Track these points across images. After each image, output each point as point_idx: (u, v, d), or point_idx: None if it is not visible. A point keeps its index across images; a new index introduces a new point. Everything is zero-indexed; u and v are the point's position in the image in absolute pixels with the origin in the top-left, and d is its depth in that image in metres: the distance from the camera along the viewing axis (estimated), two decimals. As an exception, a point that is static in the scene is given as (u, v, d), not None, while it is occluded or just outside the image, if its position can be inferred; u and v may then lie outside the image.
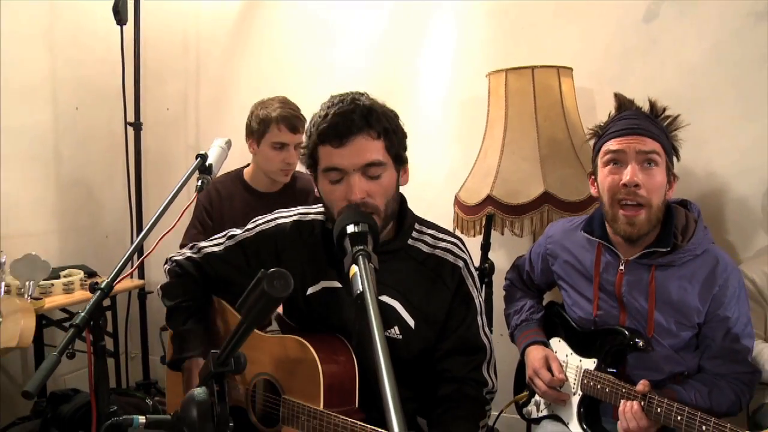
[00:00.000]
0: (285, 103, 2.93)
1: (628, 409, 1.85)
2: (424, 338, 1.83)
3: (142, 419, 1.47)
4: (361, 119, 1.67)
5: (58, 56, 3.65)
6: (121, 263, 1.62)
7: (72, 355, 1.50)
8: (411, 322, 1.81)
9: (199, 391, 1.06)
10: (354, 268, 1.23)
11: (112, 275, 1.59)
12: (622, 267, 2.05)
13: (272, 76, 3.64)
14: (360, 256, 1.25)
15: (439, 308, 1.83)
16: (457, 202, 2.77)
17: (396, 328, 1.80)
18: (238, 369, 1.09)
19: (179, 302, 1.95)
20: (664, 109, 2.04)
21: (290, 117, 2.86)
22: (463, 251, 1.87)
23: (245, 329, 1.05)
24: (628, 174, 1.92)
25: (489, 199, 2.57)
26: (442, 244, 1.86)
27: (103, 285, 1.55)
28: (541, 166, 2.52)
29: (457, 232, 2.74)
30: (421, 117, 3.28)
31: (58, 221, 3.74)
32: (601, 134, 2.05)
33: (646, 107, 2.07)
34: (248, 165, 3.04)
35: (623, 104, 2.08)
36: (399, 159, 1.76)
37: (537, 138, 2.54)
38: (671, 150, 2.01)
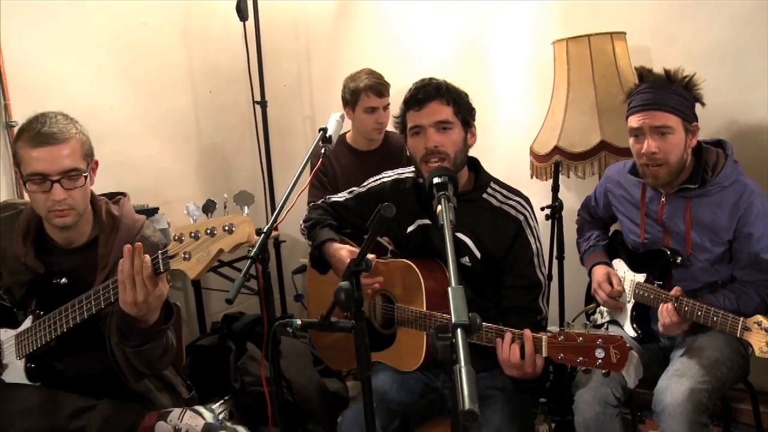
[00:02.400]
0: (370, 73, 3.47)
1: (664, 309, 2.34)
2: (488, 268, 2.35)
3: (299, 321, 2.08)
4: (435, 90, 2.25)
5: (192, 49, 4.25)
6: (276, 213, 2.23)
7: (248, 279, 2.13)
8: (478, 255, 2.34)
9: (344, 283, 1.65)
10: (439, 207, 1.73)
11: (270, 223, 2.15)
12: (663, 199, 2.51)
13: (371, 53, 4.13)
14: (443, 198, 1.75)
15: (500, 248, 2.34)
16: (532, 152, 3.24)
17: (467, 257, 2.35)
18: (368, 268, 1.67)
19: (313, 223, 2.60)
20: (677, 73, 2.40)
21: (375, 85, 3.41)
22: (525, 209, 2.37)
23: (371, 239, 1.65)
24: (644, 147, 2.37)
25: (556, 149, 3.04)
26: (510, 202, 2.37)
27: (265, 229, 2.16)
28: (598, 119, 2.95)
29: (534, 178, 3.26)
30: (502, 83, 3.72)
31: (201, 186, 4.38)
32: (628, 104, 2.46)
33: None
34: (348, 131, 3.61)
35: (643, 76, 2.46)
36: (466, 122, 2.31)
37: (595, 96, 2.96)
38: (689, 108, 2.38)
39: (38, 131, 2.05)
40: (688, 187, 2.43)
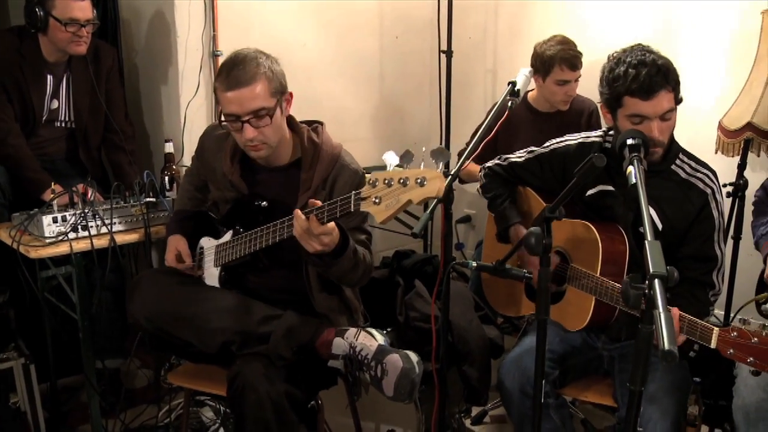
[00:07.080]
0: (565, 43, 3.38)
1: None
2: (668, 240, 2.30)
3: (474, 263, 2.19)
4: (663, 79, 2.13)
5: (384, -6, 4.41)
6: (462, 160, 2.33)
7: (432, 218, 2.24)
8: (660, 226, 2.33)
9: (535, 228, 1.72)
10: (630, 168, 1.75)
11: (457, 167, 2.25)
12: None
13: (559, 13, 4.08)
14: (635, 160, 1.78)
15: (683, 220, 2.32)
16: (721, 127, 3.13)
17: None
18: (560, 217, 1.74)
19: (494, 194, 2.69)
20: None
21: (571, 58, 3.34)
22: (713, 182, 2.33)
23: (574, 186, 1.70)
24: None
25: (749, 125, 2.94)
26: (698, 174, 2.33)
27: (453, 172, 2.26)
28: (802, 97, 2.81)
29: (718, 153, 3.16)
30: (697, 52, 3.56)
31: (375, 129, 4.58)
32: None
33: None
34: (532, 89, 3.58)
35: None
36: (679, 101, 2.25)
37: (802, 72, 2.84)
38: None
39: (228, 74, 2.21)
40: None
